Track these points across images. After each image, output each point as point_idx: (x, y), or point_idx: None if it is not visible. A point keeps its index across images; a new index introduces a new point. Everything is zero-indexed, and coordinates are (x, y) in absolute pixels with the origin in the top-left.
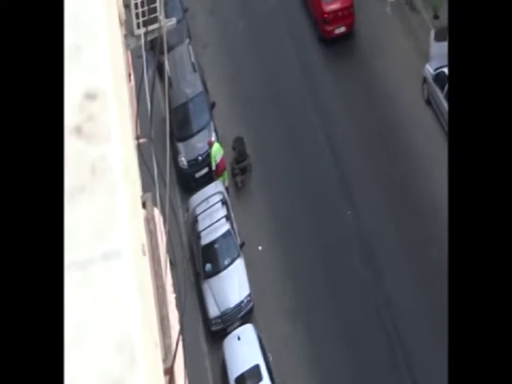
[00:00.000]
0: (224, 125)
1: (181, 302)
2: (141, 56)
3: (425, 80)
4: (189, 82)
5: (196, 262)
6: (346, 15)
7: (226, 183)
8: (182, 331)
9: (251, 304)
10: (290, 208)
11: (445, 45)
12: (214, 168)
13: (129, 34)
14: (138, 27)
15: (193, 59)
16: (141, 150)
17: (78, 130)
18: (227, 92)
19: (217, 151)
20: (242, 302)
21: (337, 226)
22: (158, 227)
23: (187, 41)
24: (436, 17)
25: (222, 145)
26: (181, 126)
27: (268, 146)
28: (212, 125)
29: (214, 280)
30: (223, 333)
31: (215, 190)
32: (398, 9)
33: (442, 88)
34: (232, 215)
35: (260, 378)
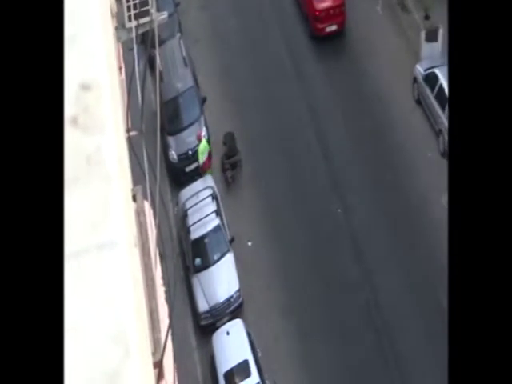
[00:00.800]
0: (215, 120)
1: (170, 296)
2: (132, 49)
3: (415, 80)
4: (180, 76)
5: (186, 256)
6: (338, 13)
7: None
8: (171, 325)
9: (241, 299)
10: (280, 205)
11: (435, 45)
12: (200, 164)
13: (120, 26)
14: (130, 20)
15: (184, 54)
16: (131, 143)
17: (74, 121)
18: (218, 87)
19: (204, 148)
20: (232, 297)
21: (327, 224)
22: (148, 220)
23: (178, 35)
24: (427, 17)
25: (209, 142)
26: (171, 120)
27: (258, 141)
28: (203, 119)
29: (203, 274)
30: (212, 327)
31: (205, 184)
32: (389, 8)
33: (432, 88)
34: (222, 210)
35: (249, 374)
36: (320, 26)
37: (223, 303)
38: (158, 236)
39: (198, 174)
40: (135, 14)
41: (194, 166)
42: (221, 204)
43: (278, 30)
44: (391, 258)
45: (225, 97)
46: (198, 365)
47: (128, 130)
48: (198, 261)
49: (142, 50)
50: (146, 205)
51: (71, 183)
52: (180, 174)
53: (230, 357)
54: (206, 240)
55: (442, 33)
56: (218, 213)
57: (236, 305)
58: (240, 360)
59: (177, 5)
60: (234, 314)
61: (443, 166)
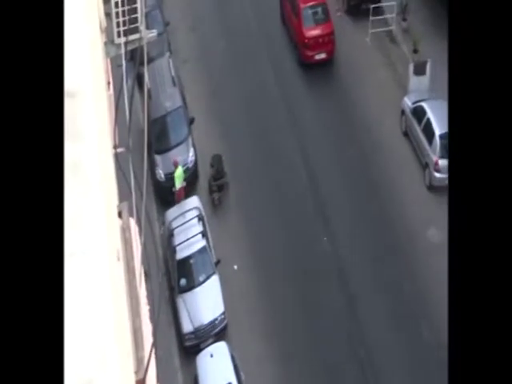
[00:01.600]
0: (202, 141)
1: (155, 315)
2: (121, 65)
3: (403, 112)
4: (168, 95)
5: (171, 276)
6: (327, 42)
7: None
8: (155, 344)
9: (225, 322)
10: (266, 229)
11: (423, 79)
12: (176, 189)
13: (109, 42)
14: (119, 36)
15: (173, 73)
16: (118, 160)
17: None
18: (206, 109)
19: (180, 174)
20: (216, 319)
21: (313, 251)
22: (133, 237)
23: (168, 54)
24: (415, 51)
25: (185, 171)
26: (159, 138)
27: (246, 165)
28: (190, 140)
29: (188, 295)
30: (196, 349)
31: (192, 205)
32: (378, 40)
33: (419, 121)
34: (208, 232)
35: None
36: (309, 53)
37: (208, 325)
38: (143, 254)
39: (186, 193)
40: (124, 31)
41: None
42: (207, 225)
43: (266, 55)
44: (376, 289)
45: (213, 118)
46: None
47: (115, 147)
48: (183, 281)
49: (130, 66)
50: (132, 222)
51: None
52: (167, 194)
53: (213, 379)
54: (192, 261)
55: (430, 66)
56: (204, 234)
57: (220, 327)
58: (224, 383)
59: (166, 24)
60: (219, 337)
61: (429, 199)
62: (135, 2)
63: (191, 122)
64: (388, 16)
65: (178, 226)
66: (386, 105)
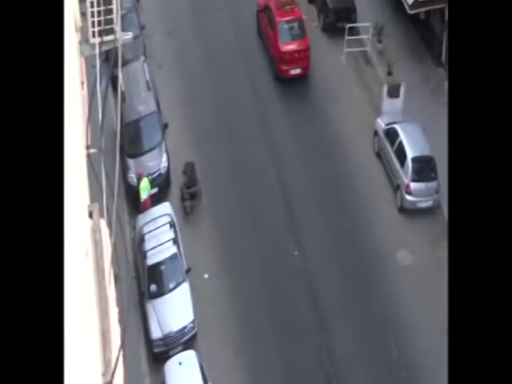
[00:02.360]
0: (176, 147)
1: (123, 318)
2: (95, 66)
3: (376, 133)
4: (142, 99)
5: (141, 281)
6: (302, 57)
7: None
8: (123, 347)
9: (195, 330)
10: (237, 239)
11: (397, 101)
12: (142, 200)
13: (84, 41)
14: (94, 36)
15: (147, 77)
16: (90, 161)
17: None
18: (180, 115)
19: (145, 186)
20: (186, 327)
21: (284, 265)
22: (103, 239)
23: (143, 58)
24: (389, 73)
25: (151, 182)
26: (132, 142)
27: (219, 174)
28: (164, 145)
29: (158, 301)
30: (165, 356)
31: (163, 211)
32: (353, 59)
33: (392, 143)
34: (179, 239)
35: None
36: (284, 67)
37: (177, 332)
38: (112, 255)
39: (158, 199)
40: (100, 31)
41: (153, 191)
42: (178, 233)
43: (242, 67)
44: (345, 306)
45: (186, 125)
46: None
47: (87, 147)
48: (153, 287)
49: (105, 67)
50: (103, 223)
51: None
52: (139, 198)
53: None
54: (163, 267)
55: (404, 89)
56: (175, 241)
57: (190, 335)
58: None
59: (142, 28)
60: (188, 345)
61: (400, 221)
62: (111, 3)
63: (165, 127)
64: (363, 37)
65: (149, 232)
66: (359, 124)
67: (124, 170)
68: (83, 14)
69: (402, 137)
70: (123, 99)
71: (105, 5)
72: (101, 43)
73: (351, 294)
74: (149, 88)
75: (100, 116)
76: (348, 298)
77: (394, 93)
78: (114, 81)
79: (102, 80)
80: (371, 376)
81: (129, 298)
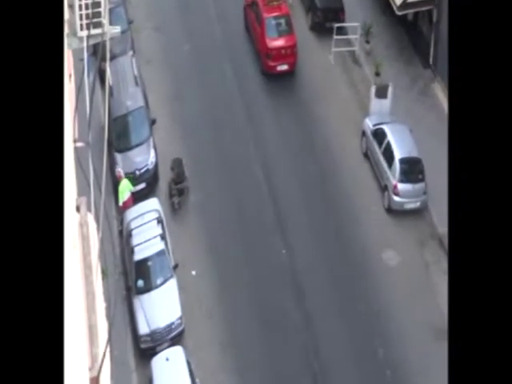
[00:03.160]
0: (163, 143)
1: (110, 313)
2: (82, 59)
3: (364, 133)
4: (130, 94)
5: (128, 276)
6: (289, 54)
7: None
8: (109, 341)
9: (182, 327)
10: (224, 236)
11: (384, 102)
12: (120, 204)
13: (71, 33)
14: (81, 29)
15: (135, 72)
16: (77, 154)
17: None
18: (168, 111)
19: (125, 187)
20: (173, 323)
21: (271, 263)
22: (90, 233)
23: (131, 53)
24: (377, 74)
25: (131, 180)
26: (119, 137)
27: (206, 170)
28: (151, 141)
29: (145, 297)
30: (152, 351)
31: (151, 207)
32: (341, 59)
33: (379, 144)
34: (167, 235)
35: None
36: (271, 63)
37: (164, 328)
38: (100, 250)
39: (145, 195)
40: (87, 24)
41: (141, 186)
42: (166, 228)
43: (230, 63)
44: (331, 305)
45: (174, 121)
46: None
47: (75, 141)
48: (140, 282)
49: (92, 61)
50: (90, 217)
51: None
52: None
53: (168, 383)
54: (150, 263)
55: (392, 90)
56: (163, 237)
57: (177, 332)
58: None
59: (130, 22)
60: (175, 341)
61: (387, 221)
62: None
63: (153, 123)
64: (351, 37)
65: (136, 227)
66: (347, 124)
67: (111, 164)
68: (71, 7)
69: (390, 137)
70: (111, 93)
71: None
72: (88, 36)
73: (338, 293)
74: (137, 83)
75: (87, 110)
76: (335, 297)
77: (381, 93)
78: (101, 75)
79: (89, 73)
80: (357, 374)
81: (116, 294)
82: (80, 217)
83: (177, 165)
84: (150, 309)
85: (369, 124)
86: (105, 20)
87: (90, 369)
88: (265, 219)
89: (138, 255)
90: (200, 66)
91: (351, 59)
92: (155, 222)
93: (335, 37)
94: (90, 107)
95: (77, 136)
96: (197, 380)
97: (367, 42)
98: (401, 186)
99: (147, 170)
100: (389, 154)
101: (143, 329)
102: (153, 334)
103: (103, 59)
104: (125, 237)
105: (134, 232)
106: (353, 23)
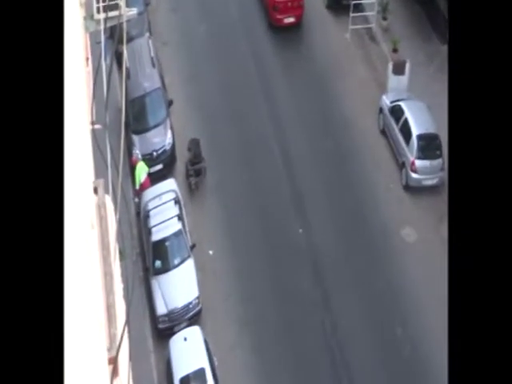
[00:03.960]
0: (180, 124)
1: (128, 294)
2: (100, 42)
3: (381, 110)
4: (147, 75)
5: (146, 257)
6: (296, 6)
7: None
8: (128, 323)
9: (200, 306)
10: (242, 216)
11: (402, 79)
12: (137, 187)
13: (88, 17)
14: (98, 12)
15: (152, 54)
16: (95, 136)
17: None
18: (185, 92)
19: (141, 169)
20: (191, 303)
21: (288, 242)
22: (108, 215)
23: (147, 35)
24: (395, 50)
25: (147, 162)
26: (137, 118)
27: (224, 151)
28: (168, 122)
29: (163, 277)
30: (170, 331)
31: (168, 187)
32: (358, 36)
33: (397, 120)
34: (184, 215)
35: (205, 382)
36: (278, 16)
37: (182, 308)
38: (117, 231)
39: (162, 176)
40: (104, 7)
41: (158, 167)
42: (183, 209)
43: (246, 41)
44: (350, 283)
45: (191, 102)
46: (154, 368)
47: (92, 123)
48: (158, 263)
49: (109, 44)
50: (108, 199)
51: None
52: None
53: (186, 363)
54: (167, 243)
55: (409, 67)
56: (180, 217)
57: (194, 311)
58: (197, 367)
59: (147, 4)
60: (192, 321)
61: (405, 198)
62: None
63: (170, 104)
64: (368, 14)
65: (154, 208)
66: (364, 101)
67: (129, 146)
68: None
69: (408, 114)
70: (128, 76)
71: None
72: (105, 19)
73: (356, 271)
74: (153, 65)
75: (105, 92)
76: (353, 274)
77: (399, 70)
78: (118, 57)
79: (106, 56)
80: (375, 351)
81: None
82: (98, 198)
83: (194, 145)
84: (168, 289)
85: (386, 101)
86: (121, 2)
87: (109, 349)
88: (282, 198)
89: (156, 236)
90: (218, 45)
91: (368, 36)
92: (172, 202)
93: (352, 14)
94: (107, 89)
95: (94, 118)
96: (215, 359)
97: (384, 18)
98: (418, 163)
99: (164, 151)
100: (406, 131)
101: (161, 309)
102: (170, 314)
103: (120, 42)
104: (142, 218)
105: (151, 213)
106: (370, 0)
